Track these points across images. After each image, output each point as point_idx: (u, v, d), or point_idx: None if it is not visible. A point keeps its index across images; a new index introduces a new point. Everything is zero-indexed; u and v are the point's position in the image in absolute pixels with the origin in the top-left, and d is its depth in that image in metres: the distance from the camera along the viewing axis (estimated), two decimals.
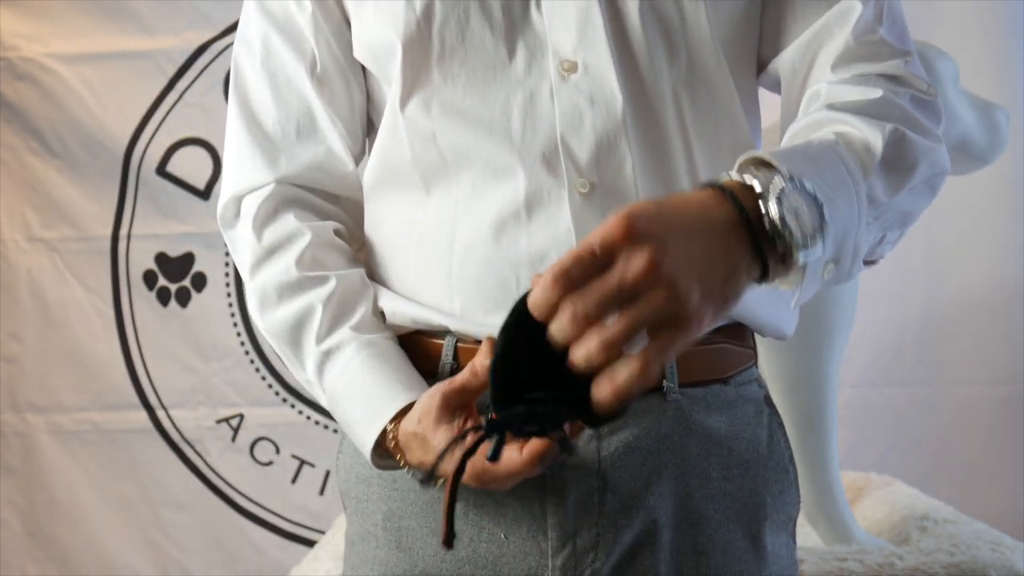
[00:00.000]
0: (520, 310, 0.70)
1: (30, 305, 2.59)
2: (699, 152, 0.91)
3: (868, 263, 0.86)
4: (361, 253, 1.01)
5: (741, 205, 0.70)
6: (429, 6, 0.90)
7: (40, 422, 2.58)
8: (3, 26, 2.55)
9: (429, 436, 0.84)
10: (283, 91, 0.99)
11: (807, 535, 1.59)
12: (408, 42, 0.90)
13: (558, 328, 0.66)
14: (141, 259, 2.58)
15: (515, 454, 0.78)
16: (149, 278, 2.59)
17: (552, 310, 0.66)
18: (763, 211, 0.70)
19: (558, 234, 0.87)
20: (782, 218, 0.70)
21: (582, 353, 0.65)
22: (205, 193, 2.58)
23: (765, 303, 0.93)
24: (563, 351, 0.68)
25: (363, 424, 0.90)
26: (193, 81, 2.56)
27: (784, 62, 0.93)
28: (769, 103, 1.00)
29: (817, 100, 0.88)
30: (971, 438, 2.43)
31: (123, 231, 2.57)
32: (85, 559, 2.57)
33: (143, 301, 2.58)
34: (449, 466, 0.75)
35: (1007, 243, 2.42)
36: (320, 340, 0.94)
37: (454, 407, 0.84)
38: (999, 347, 2.42)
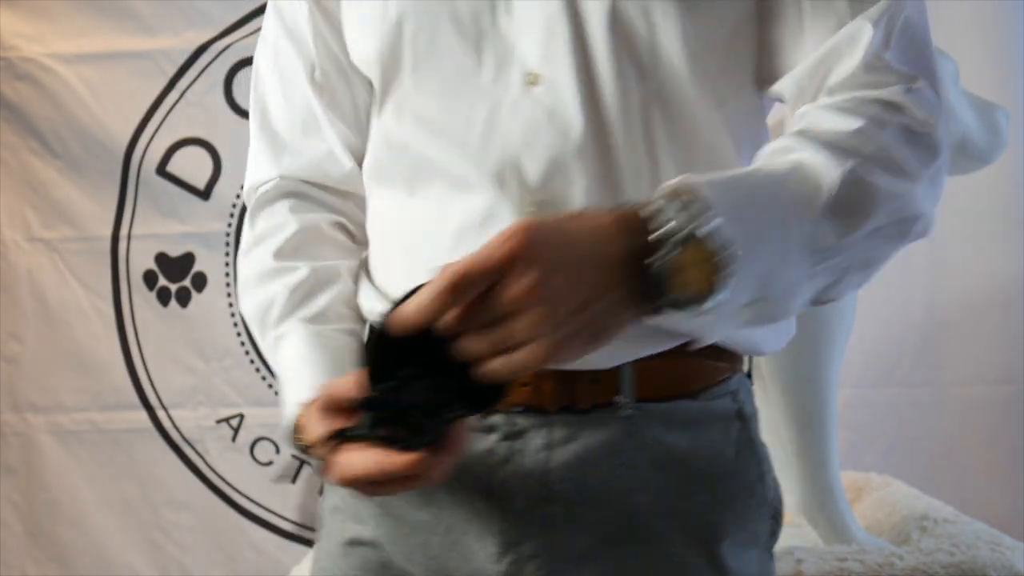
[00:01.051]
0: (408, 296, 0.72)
1: (30, 305, 2.59)
2: (667, 179, 0.86)
3: (823, 302, 0.83)
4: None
5: (636, 246, 0.71)
6: (403, 13, 0.90)
7: (40, 422, 2.58)
8: (3, 26, 2.55)
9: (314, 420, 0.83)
10: (289, 90, 1.01)
11: (807, 535, 1.59)
12: (383, 49, 0.91)
13: (443, 323, 0.70)
14: (141, 259, 2.58)
15: (394, 456, 0.75)
16: (149, 278, 2.59)
17: (435, 315, 0.70)
18: (652, 259, 0.70)
19: None
20: (668, 273, 0.70)
21: (463, 347, 0.71)
22: (205, 193, 2.58)
23: None
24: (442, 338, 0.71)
25: (288, 406, 0.91)
26: (193, 81, 2.56)
27: (790, 85, 0.89)
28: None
29: (800, 122, 0.84)
30: (971, 438, 2.43)
31: (123, 231, 2.57)
32: (85, 559, 2.57)
33: (143, 301, 2.58)
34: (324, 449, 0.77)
35: (1007, 243, 2.42)
36: (276, 326, 0.96)
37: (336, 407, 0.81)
38: (999, 347, 2.42)
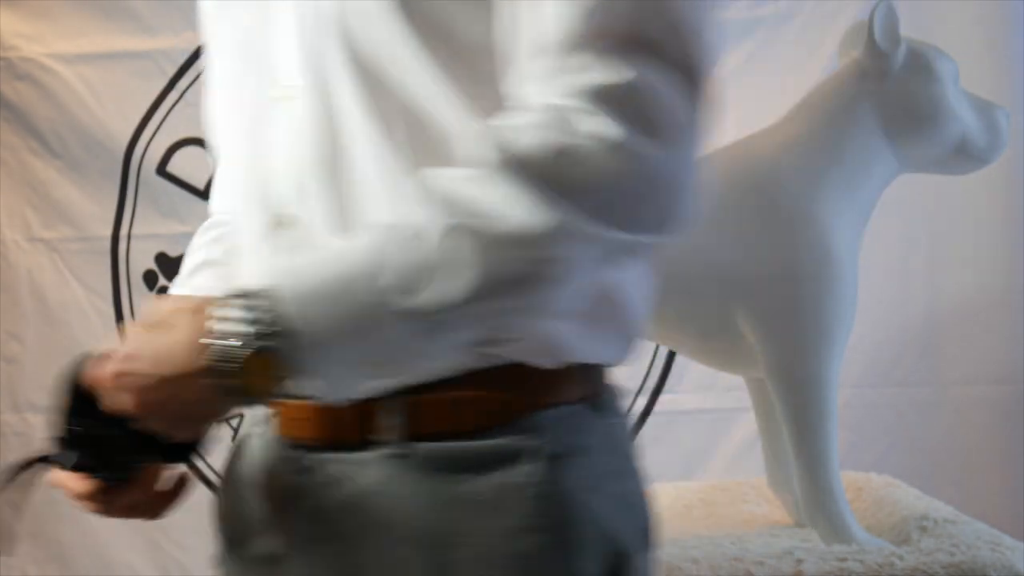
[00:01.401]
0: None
1: (30, 305, 2.59)
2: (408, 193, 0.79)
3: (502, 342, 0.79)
4: None
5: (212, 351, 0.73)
6: (213, 41, 0.94)
7: (40, 422, 2.58)
8: (3, 26, 2.55)
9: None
10: None
11: (807, 535, 1.59)
12: (209, 79, 0.96)
13: None
14: (141, 259, 2.58)
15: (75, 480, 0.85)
16: (149, 278, 2.59)
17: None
18: (207, 373, 0.73)
19: (260, 270, 0.83)
20: (225, 384, 0.73)
21: None
22: (205, 193, 2.57)
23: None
24: None
25: None
26: (193, 81, 2.56)
27: (511, 87, 0.78)
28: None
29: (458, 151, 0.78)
30: (971, 438, 2.43)
31: (123, 231, 2.58)
32: (85, 559, 2.57)
33: (143, 301, 2.58)
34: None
35: (1007, 243, 2.42)
36: None
37: None
38: (999, 347, 2.42)
